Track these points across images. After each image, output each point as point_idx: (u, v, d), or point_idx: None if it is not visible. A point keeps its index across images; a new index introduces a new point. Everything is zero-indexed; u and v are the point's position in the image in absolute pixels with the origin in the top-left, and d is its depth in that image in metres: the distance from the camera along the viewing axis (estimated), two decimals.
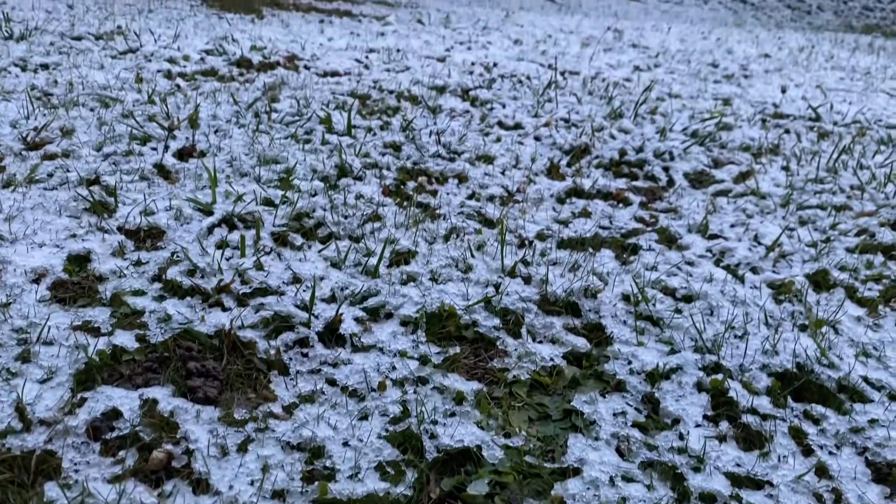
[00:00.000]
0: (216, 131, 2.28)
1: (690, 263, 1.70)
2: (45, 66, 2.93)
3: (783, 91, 3.28)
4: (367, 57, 3.47)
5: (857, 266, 1.75)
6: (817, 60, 4.78)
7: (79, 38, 3.54)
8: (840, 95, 3.69)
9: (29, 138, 2.12)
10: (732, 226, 1.92)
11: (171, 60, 3.16)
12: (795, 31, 8.03)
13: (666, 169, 2.31)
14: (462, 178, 2.16)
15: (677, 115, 2.86)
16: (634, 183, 2.21)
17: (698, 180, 2.29)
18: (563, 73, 3.56)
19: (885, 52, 6.13)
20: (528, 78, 3.36)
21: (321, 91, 2.87)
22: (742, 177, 2.33)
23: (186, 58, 3.20)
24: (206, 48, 3.42)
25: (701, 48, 5.02)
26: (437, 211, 1.93)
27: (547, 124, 2.54)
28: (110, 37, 3.59)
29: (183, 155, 2.14)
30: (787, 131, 2.77)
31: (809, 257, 1.77)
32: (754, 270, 1.71)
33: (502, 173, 2.22)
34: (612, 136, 2.54)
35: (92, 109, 2.43)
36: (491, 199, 2.05)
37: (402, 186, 2.07)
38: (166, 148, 2.13)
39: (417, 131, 2.44)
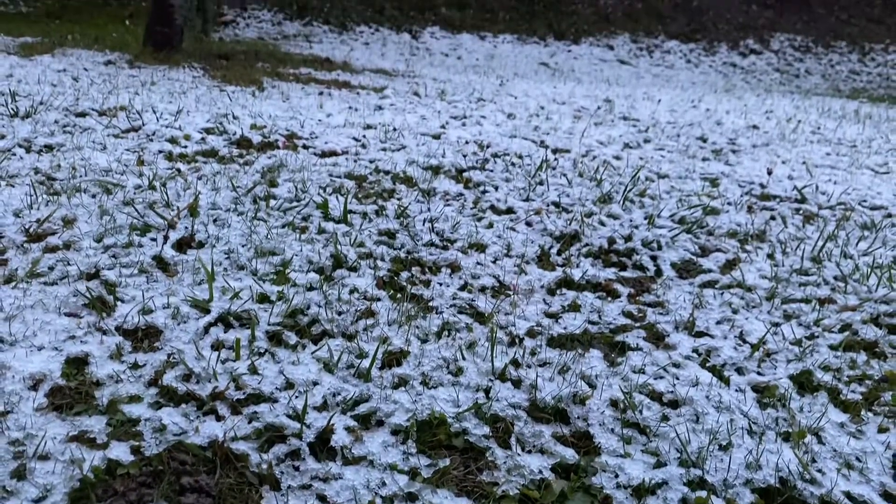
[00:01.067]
0: (215, 220, 2.33)
1: (677, 365, 1.73)
2: (49, 147, 3.01)
3: (769, 173, 3.36)
4: (363, 136, 3.55)
5: (841, 366, 1.78)
6: (804, 133, 4.90)
7: (83, 115, 3.63)
8: (826, 172, 3.78)
9: (31, 230, 2.17)
10: (718, 322, 1.96)
11: (173, 140, 3.24)
12: (784, 97, 8.22)
13: (654, 258, 2.36)
14: (454, 268, 2.21)
15: (665, 199, 2.93)
16: (623, 273, 2.26)
17: (686, 269, 2.34)
18: (554, 152, 3.65)
19: (871, 120, 6.27)
20: (521, 157, 3.45)
21: (319, 173, 2.94)
22: (729, 265, 2.38)
23: (187, 137, 3.28)
24: (206, 126, 3.50)
25: (690, 118, 5.15)
26: (430, 303, 1.98)
27: (538, 212, 2.60)
28: (113, 113, 3.68)
29: (182, 245, 2.19)
30: (773, 217, 2.83)
31: (794, 356, 1.81)
32: (739, 371, 1.74)
33: (494, 262, 2.27)
34: (602, 223, 2.60)
35: (94, 196, 2.49)
36: (482, 290, 2.09)
37: (395, 277, 2.11)
38: (165, 239, 2.17)
39: (412, 218, 2.49)
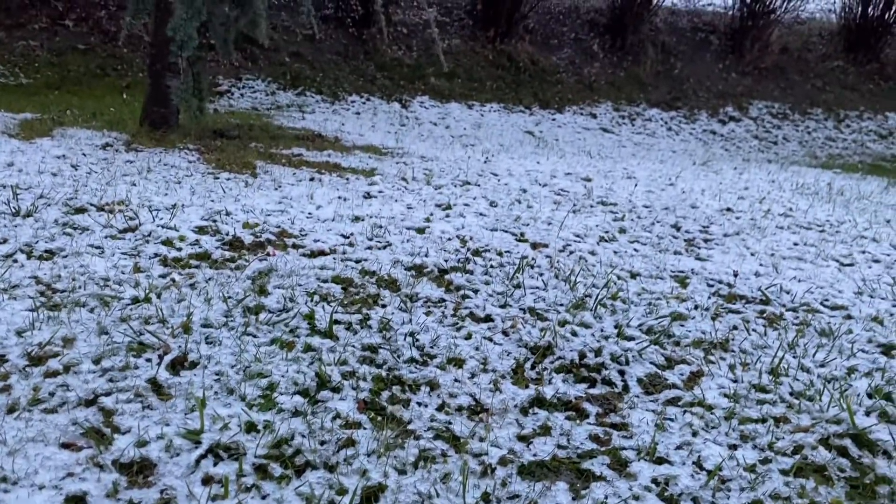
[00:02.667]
0: (207, 339, 2.47)
1: (637, 498, 1.86)
2: (49, 253, 3.15)
3: (735, 275, 3.54)
4: (351, 233, 3.71)
5: (790, 494, 1.91)
6: (775, 218, 5.10)
7: (82, 210, 3.79)
8: (793, 265, 3.96)
9: (33, 353, 2.29)
10: (678, 447, 2.10)
11: (168, 242, 3.39)
12: (761, 168, 8.50)
13: (622, 372, 2.51)
14: (433, 385, 2.34)
15: (636, 305, 3.08)
16: (591, 391, 2.40)
17: (652, 384, 2.48)
18: (533, 246, 3.82)
19: (842, 197, 6.51)
20: (500, 254, 3.61)
21: (307, 277, 3.09)
22: (693, 378, 2.53)
23: (182, 238, 3.44)
24: (200, 224, 3.66)
25: (666, 201, 5.35)
26: (409, 425, 2.10)
27: (513, 326, 2.75)
28: (111, 208, 3.84)
29: (175, 365, 2.32)
30: (735, 327, 2.99)
31: (747, 484, 1.94)
32: (695, 501, 1.87)
33: (471, 377, 2.41)
34: (574, 333, 2.75)
35: (92, 310, 2.62)
36: (459, 409, 2.23)
37: (377, 398, 2.24)
38: (160, 359, 2.31)
39: (394, 331, 2.64)
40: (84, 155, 5.10)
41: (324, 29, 10.65)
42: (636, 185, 5.78)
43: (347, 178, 5.07)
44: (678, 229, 4.55)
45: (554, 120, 10.11)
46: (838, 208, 5.92)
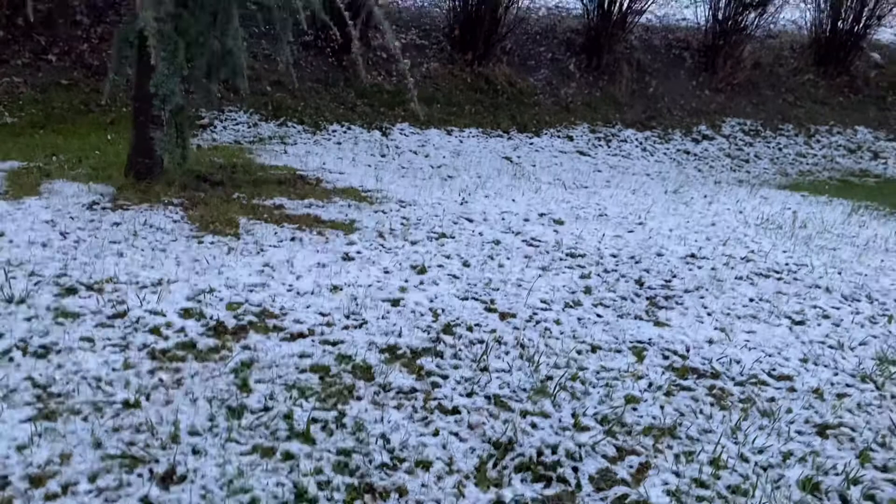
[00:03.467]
0: (193, 450, 2.69)
1: None
2: (44, 349, 3.35)
3: (687, 350, 3.79)
4: (329, 313, 3.93)
5: None
6: (735, 266, 5.35)
7: (73, 291, 3.98)
8: (746, 327, 4.22)
9: (34, 475, 2.50)
10: None
11: (155, 330, 3.60)
12: (731, 192, 8.76)
13: (575, 469, 2.75)
14: (402, 492, 2.57)
15: (594, 388, 3.32)
16: (546, 491, 2.64)
17: (603, 479, 2.72)
18: (502, 317, 4.06)
19: (805, 231, 6.78)
20: (470, 329, 3.85)
21: (287, 367, 3.31)
22: (641, 470, 2.77)
23: (168, 324, 3.65)
24: (186, 305, 3.87)
25: (633, 248, 5.60)
26: None
27: (474, 427, 2.98)
28: (100, 287, 4.04)
29: (165, 479, 2.54)
30: (683, 414, 3.24)
31: None
32: None
33: (437, 481, 2.64)
34: (534, 426, 2.98)
35: (86, 418, 2.83)
36: None
37: None
38: (151, 473, 2.52)
39: (367, 433, 2.86)
40: (72, 218, 5.28)
41: (304, 56, 10.81)
42: (604, 233, 6.01)
43: (327, 238, 5.28)
44: (641, 285, 4.80)
45: (531, 144, 10.33)
46: (799, 246, 6.20)
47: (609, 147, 10.65)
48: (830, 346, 4.03)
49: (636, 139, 10.91)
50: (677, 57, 12.53)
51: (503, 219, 6.33)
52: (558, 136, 10.65)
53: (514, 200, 7.20)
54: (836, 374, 3.69)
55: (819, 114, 12.30)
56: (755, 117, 11.89)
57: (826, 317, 4.50)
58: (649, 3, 11.80)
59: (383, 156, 9.39)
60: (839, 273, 5.36)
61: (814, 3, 13.04)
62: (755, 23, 12.22)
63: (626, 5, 11.74)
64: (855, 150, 11.75)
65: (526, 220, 6.37)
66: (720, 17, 12.26)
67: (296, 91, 10.32)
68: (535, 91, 11.33)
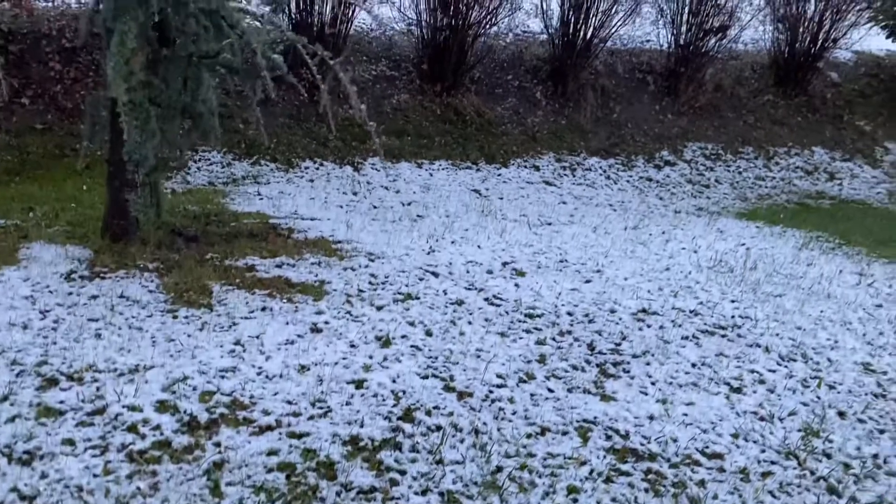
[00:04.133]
0: None
1: None
2: (28, 455, 3.60)
3: (627, 434, 4.12)
4: (296, 401, 4.21)
5: None
6: (683, 323, 5.70)
7: (54, 382, 4.23)
8: (687, 397, 4.55)
9: None
10: None
11: (132, 428, 3.86)
12: (687, 229, 9.12)
13: None
14: None
15: (540, 478, 3.64)
16: None
17: None
18: (459, 396, 4.36)
19: (754, 274, 7.15)
20: (429, 413, 4.15)
21: (256, 466, 3.59)
22: None
23: (146, 421, 3.91)
24: (161, 397, 4.13)
25: (588, 303, 5.93)
26: None
27: None
28: (80, 376, 4.29)
29: None
30: (617, 503, 3.56)
31: None
32: None
33: None
34: None
35: None
36: None
37: None
38: None
39: None
40: (51, 292, 5.50)
41: (275, 91, 11.00)
42: (562, 287, 6.32)
43: (297, 306, 5.54)
44: (593, 350, 5.12)
45: (499, 175, 10.63)
46: (747, 293, 6.56)
47: (574, 176, 10.98)
48: (761, 419, 4.37)
49: (600, 167, 11.25)
50: (641, 81, 12.88)
51: (468, 271, 6.63)
52: (525, 167, 10.96)
53: (479, 247, 7.50)
54: (763, 451, 4.03)
55: (778, 135, 12.71)
56: (716, 141, 12.27)
57: (762, 382, 4.85)
58: (613, 30, 12.12)
59: (355, 194, 9.65)
60: (781, 327, 5.71)
61: (772, 24, 13.44)
62: (716, 47, 12.59)
63: (590, 33, 12.04)
64: (812, 171, 12.18)
65: (489, 272, 6.67)
66: (682, 41, 12.62)
67: (268, 126, 10.52)
68: (503, 121, 11.62)
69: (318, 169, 10.24)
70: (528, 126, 11.67)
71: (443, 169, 10.63)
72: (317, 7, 11.19)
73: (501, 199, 10.00)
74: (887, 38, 14.01)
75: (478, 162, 10.89)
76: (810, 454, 4.03)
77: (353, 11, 11.25)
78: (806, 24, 12.97)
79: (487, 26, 11.61)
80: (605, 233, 8.51)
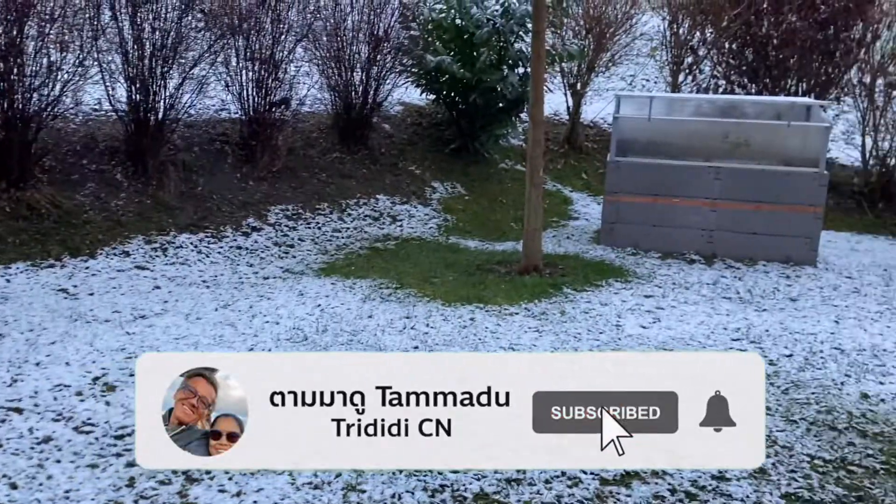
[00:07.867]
0: None
1: None
2: None
3: None
4: None
5: None
6: None
7: None
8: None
9: None
10: None
11: None
12: (275, 294, 10.33)
13: None
14: None
15: None
16: None
17: None
18: None
19: (325, 337, 8.61)
20: None
21: None
22: None
23: None
24: None
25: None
26: None
27: None
28: None
29: None
30: None
31: None
32: None
33: None
34: None
35: None
36: None
37: None
38: None
39: None
40: None
41: None
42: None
43: None
44: None
45: (87, 269, 10.69)
46: None
47: (166, 256, 11.50)
48: None
49: (191, 243, 11.94)
50: (220, 152, 13.83)
51: (55, 398, 6.89)
52: (114, 255, 11.15)
53: (68, 364, 7.72)
54: None
55: (348, 188, 14.75)
56: (296, 201, 13.81)
57: None
58: (183, 111, 12.84)
59: None
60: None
61: (329, 90, 15.46)
62: (282, 116, 14.10)
63: (161, 114, 12.59)
64: (378, 217, 14.44)
65: (79, 394, 7.01)
66: (251, 113, 13.87)
67: None
68: (84, 208, 11.60)
69: None
70: (112, 211, 11.82)
71: (22, 272, 10.30)
72: None
73: (92, 294, 10.10)
74: (421, 93, 17.06)
75: (61, 258, 10.77)
76: None
77: None
78: (355, 90, 15.22)
79: (50, 118, 11.44)
80: (197, 318, 9.29)
